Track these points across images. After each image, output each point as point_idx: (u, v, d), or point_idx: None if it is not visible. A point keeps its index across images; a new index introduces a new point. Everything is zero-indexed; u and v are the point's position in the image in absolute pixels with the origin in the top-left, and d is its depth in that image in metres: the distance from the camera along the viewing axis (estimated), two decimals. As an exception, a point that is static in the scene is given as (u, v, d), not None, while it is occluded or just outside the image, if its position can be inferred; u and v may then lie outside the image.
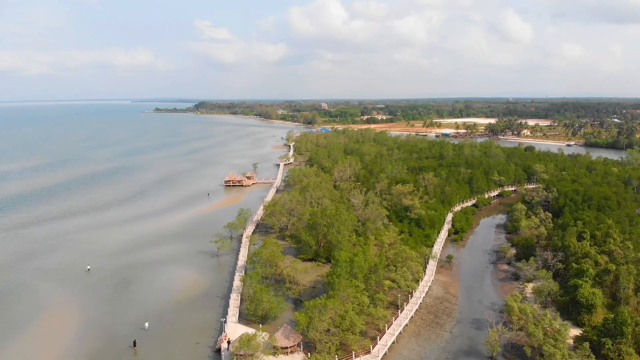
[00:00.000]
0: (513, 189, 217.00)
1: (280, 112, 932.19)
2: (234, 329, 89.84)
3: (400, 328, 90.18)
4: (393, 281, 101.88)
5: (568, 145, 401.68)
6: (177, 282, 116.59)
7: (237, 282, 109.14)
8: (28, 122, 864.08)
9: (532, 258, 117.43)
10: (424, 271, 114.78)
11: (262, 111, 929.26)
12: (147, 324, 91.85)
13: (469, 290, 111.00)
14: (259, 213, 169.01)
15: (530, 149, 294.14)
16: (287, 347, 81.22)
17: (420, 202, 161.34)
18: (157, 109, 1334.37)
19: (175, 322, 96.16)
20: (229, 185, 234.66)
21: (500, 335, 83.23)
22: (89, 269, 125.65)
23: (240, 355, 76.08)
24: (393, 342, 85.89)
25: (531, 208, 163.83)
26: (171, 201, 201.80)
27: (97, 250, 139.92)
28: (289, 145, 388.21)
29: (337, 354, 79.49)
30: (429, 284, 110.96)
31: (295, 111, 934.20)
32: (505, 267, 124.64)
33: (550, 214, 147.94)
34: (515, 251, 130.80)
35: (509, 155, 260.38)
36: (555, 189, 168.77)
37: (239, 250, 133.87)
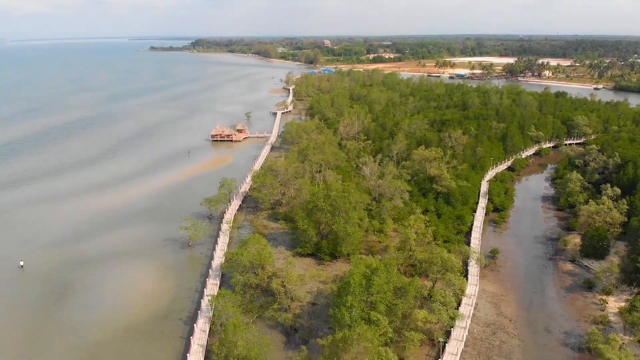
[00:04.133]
0: (552, 145, 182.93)
1: (280, 50, 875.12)
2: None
3: (443, 391, 60.15)
4: (430, 311, 70.81)
5: (595, 89, 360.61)
6: (130, 293, 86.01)
7: (206, 302, 78.46)
8: (15, 63, 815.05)
9: (614, 263, 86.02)
10: (465, 279, 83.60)
11: (261, 49, 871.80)
12: None
13: (528, 308, 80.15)
14: (248, 182, 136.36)
15: (562, 94, 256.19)
16: None
17: (448, 169, 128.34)
18: (153, 48, 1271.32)
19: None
20: (216, 141, 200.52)
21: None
22: (22, 266, 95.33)
23: None
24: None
25: (584, 175, 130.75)
26: (144, 163, 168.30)
27: (37, 236, 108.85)
28: (288, 89, 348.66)
29: None
30: (474, 299, 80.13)
31: (296, 49, 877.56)
32: (569, 266, 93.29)
33: (619, 190, 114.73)
34: (579, 240, 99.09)
35: (541, 103, 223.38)
36: (617, 153, 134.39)
37: (217, 239, 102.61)
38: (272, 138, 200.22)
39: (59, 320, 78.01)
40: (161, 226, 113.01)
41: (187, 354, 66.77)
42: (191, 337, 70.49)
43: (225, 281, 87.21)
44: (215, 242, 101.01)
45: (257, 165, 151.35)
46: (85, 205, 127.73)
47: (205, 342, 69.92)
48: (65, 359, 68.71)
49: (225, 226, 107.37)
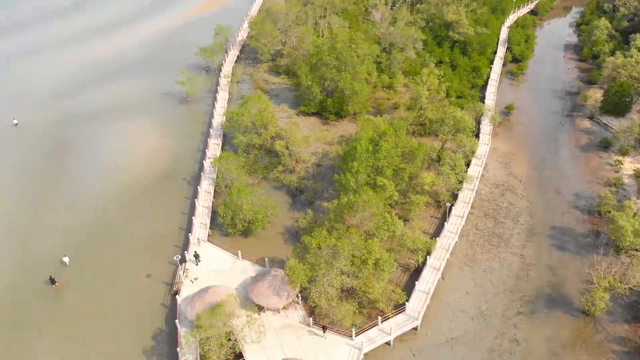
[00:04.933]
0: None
1: None
2: (203, 255, 60.73)
3: (447, 254, 60.42)
4: (438, 174, 68.43)
5: None
6: (130, 152, 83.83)
7: (208, 164, 76.28)
8: None
9: (635, 122, 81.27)
10: (477, 139, 80.00)
11: None
12: (66, 259, 62.40)
13: (539, 167, 77.91)
14: (245, 29, 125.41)
15: None
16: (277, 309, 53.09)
17: (467, 13, 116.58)
18: None
19: (117, 232, 66.82)
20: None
21: (607, 286, 53.22)
22: (16, 124, 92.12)
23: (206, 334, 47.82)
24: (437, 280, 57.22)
25: (612, 21, 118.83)
26: (136, 5, 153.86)
27: (29, 91, 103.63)
28: None
29: (354, 323, 51.66)
30: (484, 159, 77.53)
31: None
32: (587, 123, 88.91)
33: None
34: (600, 96, 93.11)
35: None
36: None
37: (216, 95, 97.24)
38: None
39: (60, 181, 77.09)
40: (157, 79, 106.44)
41: (193, 217, 66.60)
42: (195, 200, 69.84)
43: (227, 141, 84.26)
44: (215, 99, 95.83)
45: (255, 9, 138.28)
46: (76, 55, 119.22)
47: (210, 204, 69.37)
48: (70, 221, 68.94)
49: (223, 81, 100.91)
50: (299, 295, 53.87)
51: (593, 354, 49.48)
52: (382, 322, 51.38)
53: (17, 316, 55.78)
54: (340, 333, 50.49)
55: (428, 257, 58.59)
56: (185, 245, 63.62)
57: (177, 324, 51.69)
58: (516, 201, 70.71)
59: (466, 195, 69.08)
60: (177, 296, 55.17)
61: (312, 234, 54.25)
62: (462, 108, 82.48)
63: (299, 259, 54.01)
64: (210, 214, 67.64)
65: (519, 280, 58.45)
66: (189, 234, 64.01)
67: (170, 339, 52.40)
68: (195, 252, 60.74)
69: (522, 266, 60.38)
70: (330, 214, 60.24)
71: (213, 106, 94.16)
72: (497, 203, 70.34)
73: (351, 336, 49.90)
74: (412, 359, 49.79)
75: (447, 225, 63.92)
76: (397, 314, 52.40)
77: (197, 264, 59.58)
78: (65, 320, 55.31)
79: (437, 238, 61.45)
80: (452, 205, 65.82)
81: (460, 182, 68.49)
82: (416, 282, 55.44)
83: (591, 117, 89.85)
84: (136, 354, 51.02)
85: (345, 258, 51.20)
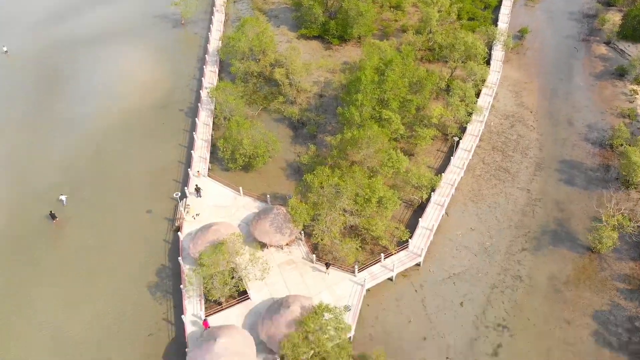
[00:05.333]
0: None
1: None
2: (203, 190, 59.64)
3: (452, 189, 59.15)
4: (447, 105, 65.33)
5: None
6: (123, 79, 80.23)
7: (205, 94, 72.97)
8: None
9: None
10: (487, 66, 75.96)
11: None
12: (64, 198, 60.99)
13: (551, 97, 74.66)
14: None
15: None
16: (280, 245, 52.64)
17: None
18: None
19: (114, 166, 65.20)
20: None
21: (613, 223, 52.29)
22: (6, 51, 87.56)
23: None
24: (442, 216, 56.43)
25: None
26: None
27: (17, 17, 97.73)
28: None
29: (357, 260, 51.35)
30: (495, 88, 74.05)
31: None
32: (603, 49, 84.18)
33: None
34: (619, 19, 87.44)
35: None
36: None
37: (211, 17, 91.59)
38: None
39: (54, 112, 74.35)
40: (148, 0, 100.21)
41: (192, 151, 64.74)
42: (194, 132, 67.58)
43: (224, 68, 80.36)
44: (210, 21, 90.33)
45: None
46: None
47: (209, 137, 67.17)
48: (66, 154, 67.15)
49: (219, 0, 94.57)
50: (302, 232, 53.27)
51: (596, 291, 49.60)
52: (384, 259, 51.17)
53: (18, 252, 55.62)
54: (343, 269, 50.44)
55: (432, 193, 57.38)
56: (185, 180, 62.32)
57: (180, 261, 51.56)
58: (526, 133, 68.34)
59: (475, 128, 66.63)
60: (179, 233, 54.68)
61: (315, 172, 52.60)
62: (474, 31, 77.82)
63: (301, 196, 52.86)
64: (209, 148, 65.69)
65: (524, 216, 57.63)
66: (189, 169, 62.49)
67: (174, 275, 52.52)
68: (197, 185, 59.63)
69: (528, 201, 59.33)
70: (334, 150, 58.30)
71: (209, 29, 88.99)
72: (506, 135, 68.04)
73: (354, 272, 49.87)
74: (414, 295, 50.05)
75: (454, 160, 62.13)
76: (400, 251, 52.06)
77: (198, 197, 58.71)
78: (67, 255, 55.12)
79: (443, 174, 59.88)
80: (460, 139, 63.60)
81: (470, 114, 65.77)
82: (420, 219, 54.64)
83: (608, 43, 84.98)
84: (140, 290, 51.30)
85: (348, 197, 49.92)
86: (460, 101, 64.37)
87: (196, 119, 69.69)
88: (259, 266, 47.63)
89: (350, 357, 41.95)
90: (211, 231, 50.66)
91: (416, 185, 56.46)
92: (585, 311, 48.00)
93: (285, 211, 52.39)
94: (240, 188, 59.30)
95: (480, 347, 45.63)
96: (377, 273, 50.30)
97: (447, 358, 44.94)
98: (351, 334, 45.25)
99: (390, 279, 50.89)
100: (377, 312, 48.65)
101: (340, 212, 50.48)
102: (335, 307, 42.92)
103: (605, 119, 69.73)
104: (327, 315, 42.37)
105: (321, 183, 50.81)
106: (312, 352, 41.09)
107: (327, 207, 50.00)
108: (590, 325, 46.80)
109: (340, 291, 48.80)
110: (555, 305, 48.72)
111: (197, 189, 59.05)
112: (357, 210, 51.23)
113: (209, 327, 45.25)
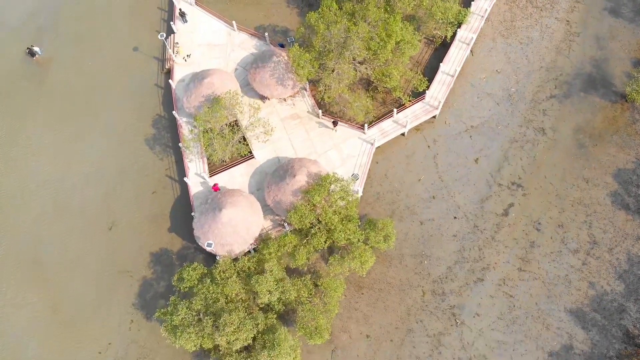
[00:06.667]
0: None
1: None
2: (192, 24, 51.97)
3: (482, 21, 50.71)
4: None
5: None
6: None
7: None
8: None
9: None
10: None
11: None
12: (38, 49, 52.89)
13: None
14: None
15: None
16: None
17: None
18: None
19: None
20: None
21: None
22: None
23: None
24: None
25: None
26: None
27: None
28: None
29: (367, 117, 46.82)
30: None
31: None
32: None
33: None
34: None
35: None
36: None
37: None
38: None
39: None
40: None
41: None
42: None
43: None
44: None
45: None
46: None
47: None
48: None
49: None
50: (307, 81, 47.71)
51: (623, 146, 46.17)
52: (397, 112, 46.79)
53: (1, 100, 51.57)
54: (351, 126, 46.63)
55: (458, 29, 49.52)
56: (171, 14, 53.87)
57: (176, 115, 47.57)
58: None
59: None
60: (170, 81, 49.28)
61: (320, 10, 44.28)
62: None
63: (304, 40, 45.74)
64: (194, -35, 55.12)
65: (558, 55, 50.69)
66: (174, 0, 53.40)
67: (170, 127, 49.17)
68: (180, 9, 52.07)
69: (565, 36, 51.51)
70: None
71: None
72: None
73: (363, 129, 46.18)
74: (426, 151, 47.20)
75: (482, -18, 52.09)
76: (415, 103, 47.29)
77: (184, 22, 51.87)
78: (53, 102, 51.11)
79: (472, 2, 50.77)
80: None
81: None
82: (440, 64, 48.22)
83: None
84: (138, 144, 48.62)
85: (359, 47, 42.85)
86: None
87: None
88: (261, 128, 43.85)
89: (357, 219, 41.18)
90: (205, 84, 45.33)
91: (441, 20, 48.23)
92: (607, 169, 45.47)
93: (286, 59, 45.97)
94: (234, 22, 51.36)
95: (490, 206, 44.66)
96: (388, 130, 46.52)
97: (454, 217, 44.44)
98: (358, 195, 43.95)
99: (402, 134, 47.40)
100: (386, 169, 46.51)
101: (350, 62, 44.08)
102: (342, 179, 40.61)
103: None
104: (333, 187, 40.38)
105: (327, 26, 43.19)
106: (319, 224, 40.32)
107: (334, 57, 43.48)
108: (610, 185, 44.82)
109: (348, 150, 45.87)
110: (575, 162, 46.01)
111: (182, 14, 51.61)
112: (369, 58, 44.69)
113: (218, 190, 43.89)
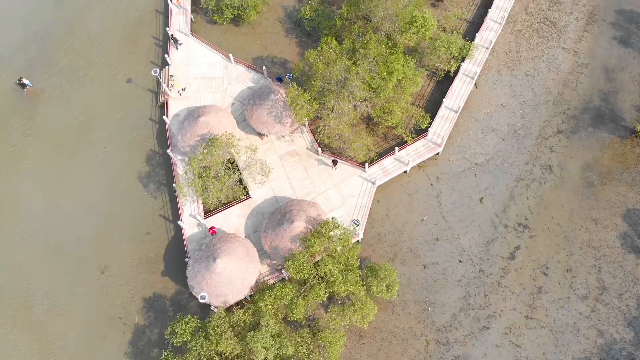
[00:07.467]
0: None
1: None
2: (187, 54, 50.46)
3: (487, 53, 49.12)
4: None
5: None
6: None
7: None
8: None
9: None
10: None
11: None
12: (27, 81, 51.28)
13: None
14: None
15: None
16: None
17: None
18: None
19: (80, 17, 54.46)
20: None
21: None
22: None
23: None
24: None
25: None
26: None
27: None
28: None
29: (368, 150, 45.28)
30: None
31: None
32: None
33: None
34: None
35: None
36: None
37: None
38: None
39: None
40: None
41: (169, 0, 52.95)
42: (168, -27, 54.31)
43: None
44: None
45: None
46: None
47: (188, -23, 54.24)
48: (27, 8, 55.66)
49: None
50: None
51: (633, 185, 44.57)
52: (399, 150, 45.18)
53: (-8, 134, 50.10)
54: (351, 164, 45.04)
55: (461, 62, 47.93)
56: (166, 44, 52.30)
57: (170, 154, 45.95)
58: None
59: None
60: (165, 117, 47.70)
61: (319, 48, 42.73)
62: None
63: (303, 77, 44.18)
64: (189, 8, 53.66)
65: (565, 88, 49.10)
66: (167, 28, 51.75)
67: (165, 164, 47.62)
68: (172, 35, 50.70)
69: (573, 67, 49.92)
70: (343, 8, 46.77)
71: None
72: None
73: (364, 167, 44.59)
74: (429, 189, 45.59)
75: (491, 11, 50.47)
76: (416, 140, 45.68)
77: (177, 47, 50.43)
78: (46, 135, 49.58)
79: (477, 35, 49.19)
80: (501, -20, 50.65)
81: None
82: (444, 99, 46.60)
83: None
84: (131, 181, 47.05)
85: (359, 87, 41.24)
86: None
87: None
88: (259, 169, 42.30)
89: (357, 269, 39.54)
90: (200, 123, 43.71)
91: (445, 54, 46.62)
92: (616, 210, 43.83)
93: (284, 96, 44.38)
94: (231, 55, 49.79)
95: (496, 249, 43.05)
96: (390, 168, 44.91)
97: (459, 261, 42.83)
98: (359, 242, 42.36)
99: (405, 171, 45.80)
100: (388, 208, 44.90)
101: (350, 101, 42.48)
102: (343, 226, 39.01)
103: None
104: (333, 233, 38.80)
105: (327, 65, 41.61)
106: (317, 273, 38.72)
107: (334, 96, 41.89)
108: (619, 227, 43.16)
109: (348, 189, 44.25)
110: (584, 201, 44.38)
111: (175, 39, 50.22)
112: (369, 97, 43.10)
113: (215, 233, 42.28)
